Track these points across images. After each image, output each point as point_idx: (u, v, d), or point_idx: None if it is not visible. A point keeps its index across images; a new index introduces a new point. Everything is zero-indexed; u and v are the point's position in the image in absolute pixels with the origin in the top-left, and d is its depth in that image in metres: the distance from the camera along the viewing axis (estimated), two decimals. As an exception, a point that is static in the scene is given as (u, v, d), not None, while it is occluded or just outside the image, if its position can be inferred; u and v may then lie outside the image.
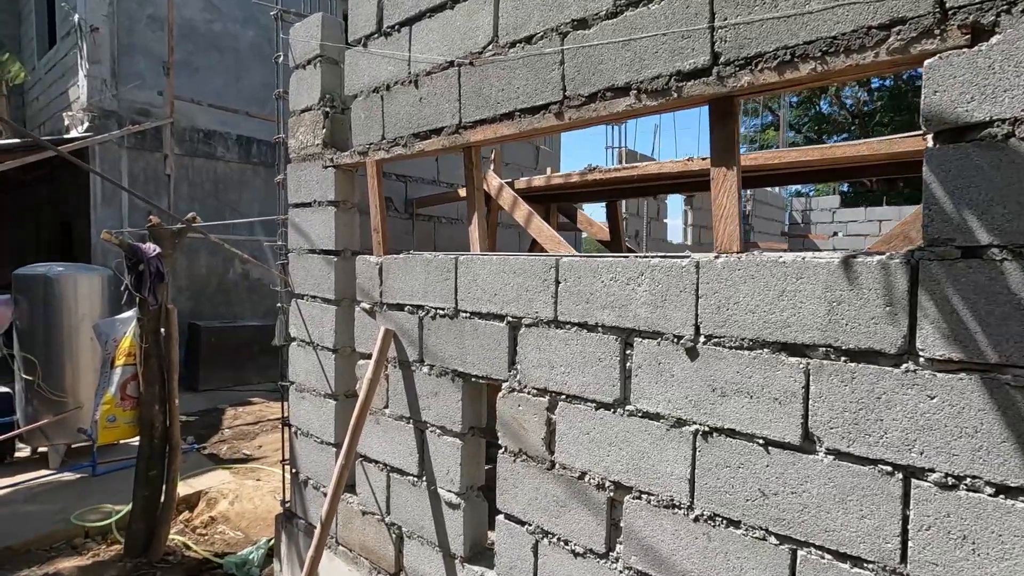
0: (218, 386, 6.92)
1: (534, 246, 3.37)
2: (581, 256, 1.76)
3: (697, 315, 1.48)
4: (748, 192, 8.33)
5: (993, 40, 1.07)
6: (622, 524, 1.65)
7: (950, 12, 1.11)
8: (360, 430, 2.25)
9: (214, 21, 8.32)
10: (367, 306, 2.46)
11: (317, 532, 2.24)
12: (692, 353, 1.49)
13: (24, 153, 5.11)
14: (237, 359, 7.09)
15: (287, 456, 3.04)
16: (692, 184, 2.70)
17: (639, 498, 1.61)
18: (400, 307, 2.31)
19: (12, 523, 3.52)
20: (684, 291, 1.50)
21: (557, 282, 1.78)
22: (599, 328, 1.69)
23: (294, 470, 2.94)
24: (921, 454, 1.17)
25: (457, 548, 2.12)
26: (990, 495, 1.09)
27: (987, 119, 1.09)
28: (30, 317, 4.39)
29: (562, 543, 1.80)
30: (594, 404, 1.71)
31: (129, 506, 3.35)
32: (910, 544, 1.19)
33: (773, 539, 1.37)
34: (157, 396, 3.27)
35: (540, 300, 1.83)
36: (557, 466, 1.80)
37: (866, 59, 1.20)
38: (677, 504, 1.53)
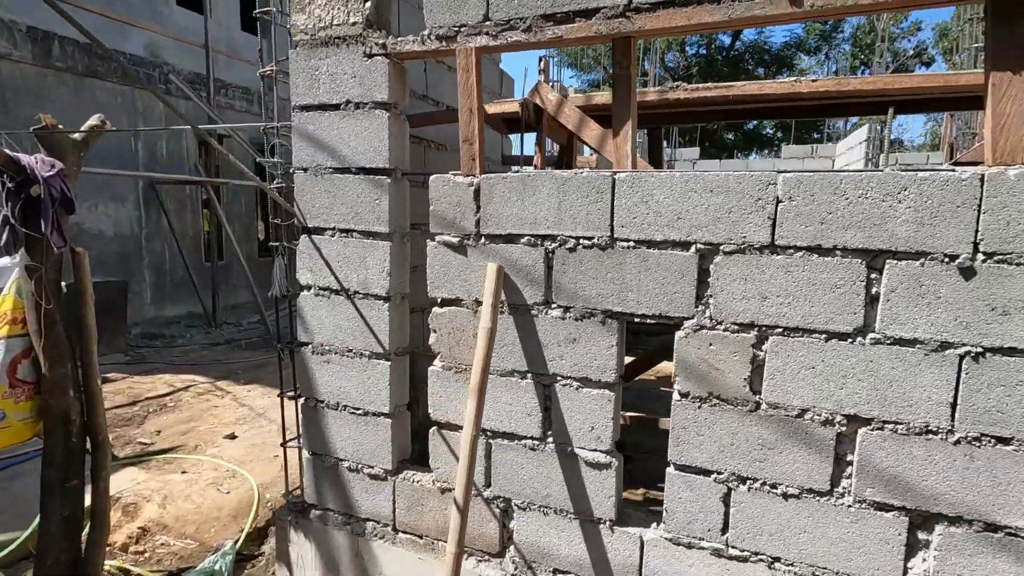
0: (46, 363, 5.29)
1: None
2: (813, 171, 1.55)
3: (978, 229, 1.39)
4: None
5: None
6: (852, 458, 1.56)
7: None
8: (484, 391, 1.80)
9: None
10: (452, 239, 1.95)
11: (456, 520, 1.75)
12: (968, 273, 1.41)
13: None
14: (71, 326, 5.47)
15: (289, 435, 2.39)
16: (794, 109, 2.61)
17: (881, 429, 1.53)
18: (512, 238, 1.87)
19: None
20: (963, 206, 1.40)
21: (778, 200, 1.56)
22: (837, 251, 1.52)
23: (310, 451, 2.32)
24: None
25: (604, 511, 1.86)
26: None
27: None
28: None
29: (766, 487, 1.66)
30: (824, 335, 1.55)
31: (29, 531, 2.37)
32: None
33: (1049, 450, 1.39)
34: (69, 378, 2.30)
35: (750, 223, 1.59)
36: (764, 406, 1.63)
37: None
38: (933, 430, 1.48)
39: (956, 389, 1.45)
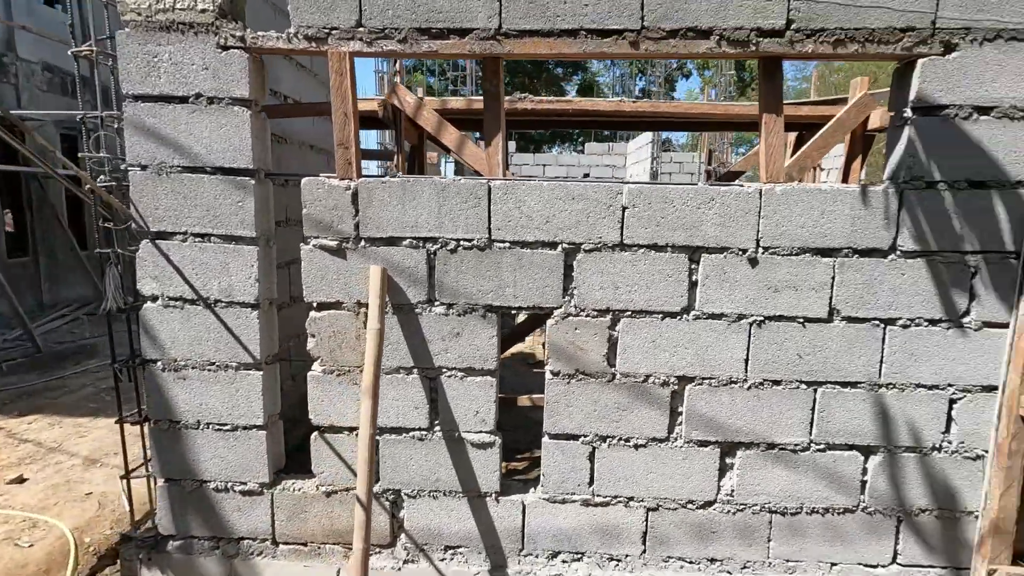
0: None
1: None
2: (648, 184, 1.91)
3: (758, 231, 1.89)
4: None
5: (953, 55, 1.77)
6: (681, 409, 2.00)
7: (938, 30, 1.76)
8: (378, 390, 1.85)
9: None
10: (330, 242, 1.95)
11: (361, 518, 1.77)
12: (753, 262, 1.91)
13: None
14: None
15: (135, 462, 2.13)
16: (620, 123, 3.00)
17: (701, 384, 1.98)
18: (394, 241, 1.94)
19: None
20: (749, 212, 1.88)
21: (624, 208, 1.90)
22: (668, 248, 1.91)
23: (165, 478, 2.11)
24: (893, 310, 1.91)
25: (490, 486, 2.07)
26: (925, 327, 1.91)
27: (947, 103, 1.80)
28: None
29: (622, 442, 2.03)
30: (661, 315, 1.95)
31: None
32: (884, 367, 1.94)
33: (804, 386, 1.97)
34: None
35: (604, 225, 1.91)
36: (619, 376, 1.99)
37: (892, 50, 1.77)
38: (735, 380, 1.97)
39: (748, 348, 1.96)
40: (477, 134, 3.10)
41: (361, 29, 1.83)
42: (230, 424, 2.06)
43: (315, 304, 2.00)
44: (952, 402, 1.95)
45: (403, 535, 2.12)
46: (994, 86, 1.78)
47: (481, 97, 2.60)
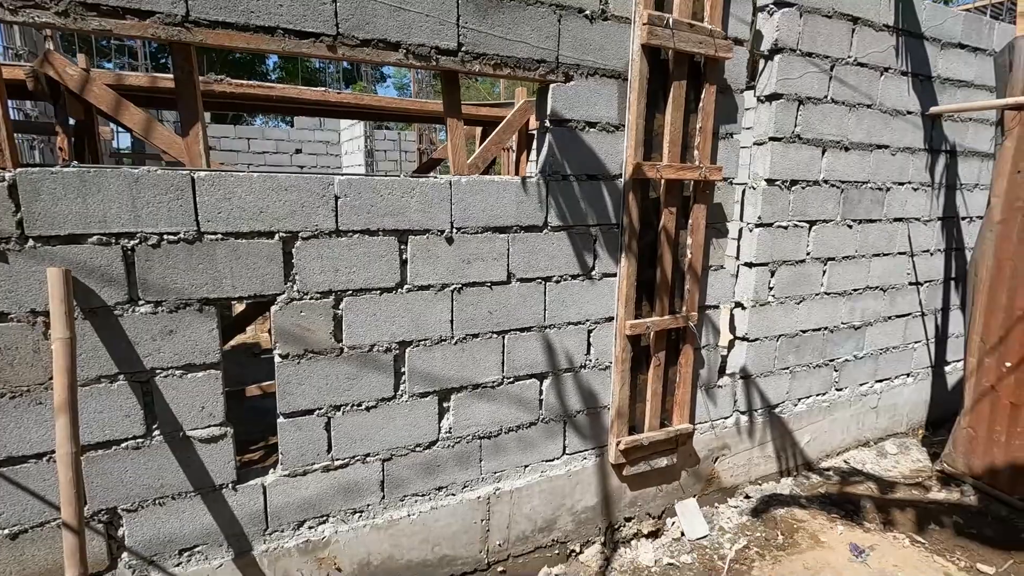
0: None
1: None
2: (357, 175, 2.14)
3: (451, 215, 2.31)
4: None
5: (571, 83, 2.45)
6: (404, 370, 2.34)
7: (560, 64, 2.40)
8: (76, 405, 1.66)
9: None
10: (-19, 245, 1.64)
11: (72, 544, 1.57)
12: (450, 240, 2.33)
13: None
14: None
15: None
16: (326, 112, 2.99)
17: (418, 346, 2.35)
18: (76, 239, 1.75)
19: None
20: (444, 199, 2.28)
21: (337, 197, 2.09)
22: (380, 232, 2.19)
23: None
24: (549, 270, 2.57)
25: (226, 476, 2.08)
26: (569, 280, 2.63)
27: (570, 118, 2.48)
28: None
29: (355, 407, 2.27)
30: (379, 291, 2.23)
31: None
32: (547, 313, 2.61)
33: (494, 335, 2.51)
34: None
35: (319, 214, 2.07)
36: (346, 349, 2.21)
37: (534, 75, 2.35)
38: (444, 338, 2.40)
39: (452, 311, 2.39)
40: (161, 112, 2.82)
41: (-1, -8, 1.56)
42: None
43: (-33, 319, 1.66)
44: (590, 332, 2.75)
45: (125, 554, 1.97)
46: (596, 108, 2.52)
47: (166, 74, 2.43)
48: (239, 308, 4.66)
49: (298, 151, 11.06)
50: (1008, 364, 3.26)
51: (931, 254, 3.98)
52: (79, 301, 1.77)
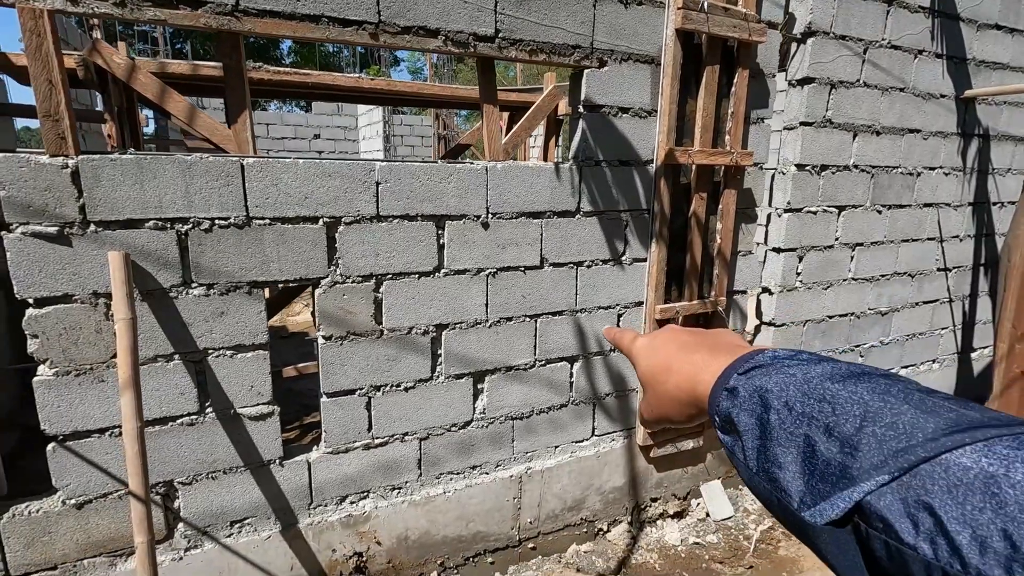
0: None
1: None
2: (397, 161, 2.18)
3: (487, 200, 2.35)
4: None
5: (605, 69, 2.47)
6: (441, 352, 2.40)
7: (595, 49, 2.41)
8: (140, 383, 1.75)
9: None
10: (48, 229, 1.72)
11: (139, 511, 1.66)
12: (485, 226, 2.37)
13: None
14: None
15: None
16: (361, 98, 3.03)
17: (454, 329, 2.41)
18: (134, 224, 1.82)
19: None
20: (480, 185, 2.32)
21: (378, 183, 2.14)
22: (419, 217, 2.24)
23: None
24: (581, 255, 2.61)
25: (273, 453, 2.17)
26: (600, 265, 2.67)
27: (603, 103, 2.50)
28: None
29: (394, 387, 2.34)
30: (417, 275, 2.28)
31: None
32: (578, 297, 2.65)
33: (527, 319, 2.56)
34: None
35: (361, 200, 2.12)
36: (386, 332, 2.27)
37: (569, 61, 2.37)
38: (479, 321, 2.45)
39: (487, 295, 2.44)
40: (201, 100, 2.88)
41: (62, -16, 1.61)
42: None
43: (32, 300, 1.75)
44: (619, 316, 2.79)
45: (181, 524, 2.07)
46: (629, 93, 2.54)
47: (206, 62, 2.49)
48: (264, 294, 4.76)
49: (316, 136, 11.11)
50: (1038, 350, 3.24)
51: (960, 240, 3.94)
52: (137, 284, 1.85)
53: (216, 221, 1.92)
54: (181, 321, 1.94)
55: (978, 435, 0.28)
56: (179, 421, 2.00)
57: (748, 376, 0.40)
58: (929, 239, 3.78)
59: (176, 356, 1.95)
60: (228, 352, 2.02)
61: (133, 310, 1.77)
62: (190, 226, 1.89)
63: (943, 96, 3.54)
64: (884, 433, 0.31)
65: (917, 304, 3.88)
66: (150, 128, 7.67)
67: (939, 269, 3.90)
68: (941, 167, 3.68)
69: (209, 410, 2.03)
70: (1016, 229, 3.31)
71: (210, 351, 2.00)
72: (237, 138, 1.99)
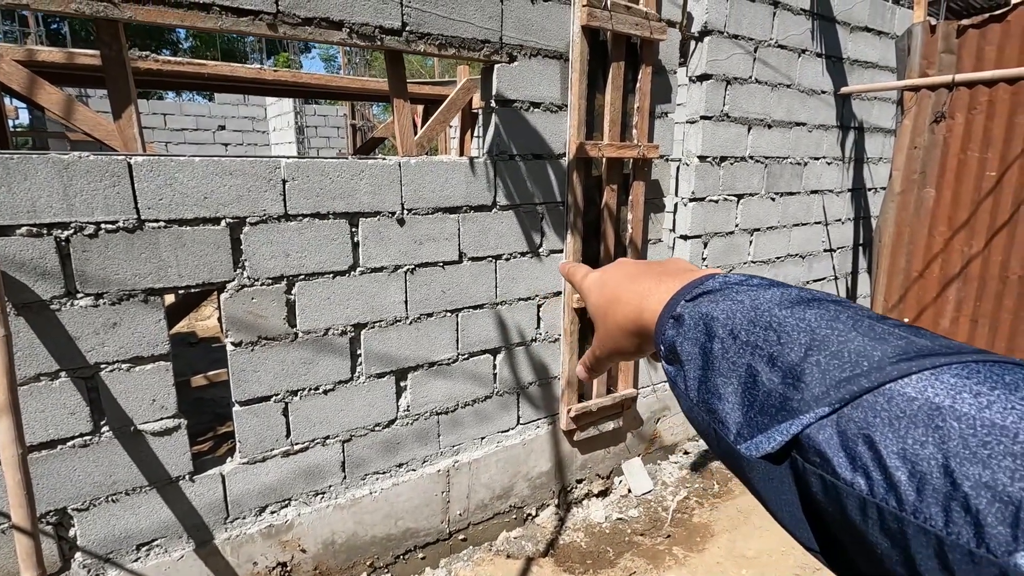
0: None
1: None
2: (304, 158, 2.10)
3: (402, 196, 2.32)
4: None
5: (515, 64, 2.50)
6: (360, 352, 2.36)
7: (504, 44, 2.44)
8: (19, 405, 1.59)
9: None
10: None
11: (26, 546, 1.51)
12: (401, 222, 2.34)
13: None
14: None
15: None
16: (265, 90, 2.84)
17: (373, 328, 2.37)
18: (4, 231, 1.65)
19: None
20: (394, 181, 2.29)
21: (284, 181, 2.06)
22: (330, 215, 2.18)
23: None
24: (499, 249, 2.64)
25: (182, 468, 2.05)
26: (519, 258, 2.72)
27: (515, 98, 2.53)
28: None
29: (312, 390, 2.28)
30: (332, 274, 2.23)
31: None
32: (498, 290, 2.69)
33: (449, 314, 2.57)
34: None
35: (267, 198, 2.03)
36: (301, 334, 2.20)
37: (479, 56, 2.37)
38: (399, 319, 2.43)
39: (406, 291, 2.42)
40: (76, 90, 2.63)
41: None
42: None
43: None
44: (539, 307, 2.86)
45: (79, 554, 1.92)
46: (540, 88, 2.58)
47: (84, 50, 2.30)
48: (169, 299, 4.45)
49: (221, 128, 10.42)
50: (907, 320, 3.66)
51: (843, 223, 4.35)
52: (10, 297, 1.68)
53: (102, 225, 1.77)
54: (67, 335, 1.78)
55: (926, 363, 0.26)
56: (70, 443, 1.84)
57: (695, 303, 0.38)
58: (816, 223, 4.15)
59: (63, 373, 1.79)
60: (124, 365, 1.88)
61: (7, 326, 1.61)
62: (72, 232, 1.73)
63: (824, 92, 3.87)
64: (828, 362, 0.29)
65: (808, 283, 4.25)
66: (23, 119, 6.87)
67: (825, 250, 4.30)
68: (824, 157, 4.04)
69: (105, 429, 1.89)
70: (886, 212, 3.70)
71: (103, 365, 1.85)
72: (123, 135, 1.84)
